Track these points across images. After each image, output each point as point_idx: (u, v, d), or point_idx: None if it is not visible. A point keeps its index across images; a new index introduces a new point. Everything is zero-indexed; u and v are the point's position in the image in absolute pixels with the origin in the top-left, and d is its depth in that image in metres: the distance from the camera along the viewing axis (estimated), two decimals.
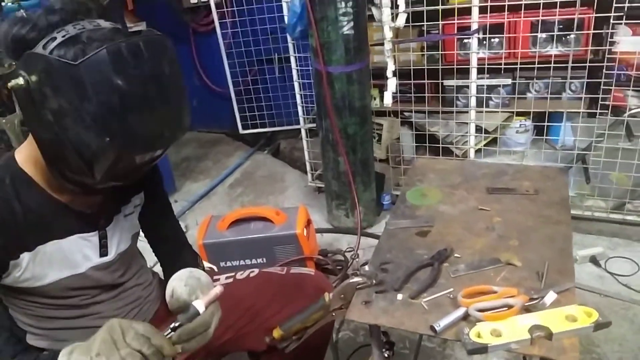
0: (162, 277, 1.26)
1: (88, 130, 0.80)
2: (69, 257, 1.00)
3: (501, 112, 2.64)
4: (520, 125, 2.78)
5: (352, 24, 2.11)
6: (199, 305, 0.91)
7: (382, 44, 2.28)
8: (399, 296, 1.04)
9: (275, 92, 3.17)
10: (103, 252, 1.06)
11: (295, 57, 2.67)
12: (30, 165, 0.94)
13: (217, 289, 0.94)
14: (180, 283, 1.04)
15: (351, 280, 1.08)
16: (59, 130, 0.81)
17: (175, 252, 1.24)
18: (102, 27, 0.84)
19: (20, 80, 0.80)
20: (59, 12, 0.84)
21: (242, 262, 2.09)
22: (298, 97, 2.77)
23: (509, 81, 2.64)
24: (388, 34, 2.20)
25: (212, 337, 0.98)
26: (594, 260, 2.14)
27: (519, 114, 2.60)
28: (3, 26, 0.85)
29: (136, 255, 1.21)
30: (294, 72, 2.70)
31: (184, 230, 2.72)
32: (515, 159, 2.70)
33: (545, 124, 2.39)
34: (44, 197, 0.95)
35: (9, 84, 0.81)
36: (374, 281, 1.07)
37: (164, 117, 0.86)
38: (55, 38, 0.80)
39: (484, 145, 2.77)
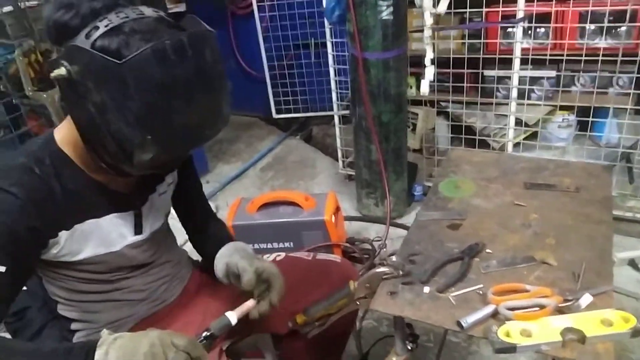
0: (191, 255, 1.28)
1: (129, 126, 0.81)
2: (105, 235, 1.01)
3: (543, 105, 2.54)
4: (563, 119, 2.68)
5: (391, 9, 2.06)
6: (232, 316, 0.93)
7: (422, 31, 2.21)
8: (426, 289, 1.01)
9: (310, 77, 3.15)
10: (137, 230, 1.07)
11: (332, 42, 2.64)
12: (69, 146, 0.95)
13: (250, 303, 0.98)
14: (233, 258, 1.08)
15: (377, 270, 1.06)
16: (100, 121, 0.82)
17: (209, 226, 1.26)
18: (145, 15, 0.83)
19: (63, 71, 0.80)
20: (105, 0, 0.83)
21: (269, 246, 2.09)
22: (333, 82, 2.74)
23: (554, 73, 2.53)
24: (428, 20, 2.13)
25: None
26: (632, 263, 2.05)
27: (562, 107, 2.50)
28: (47, 9, 0.85)
29: (167, 233, 1.22)
30: (330, 57, 2.67)
31: (215, 210, 2.76)
32: (555, 154, 2.60)
33: (590, 119, 2.29)
34: (82, 177, 0.96)
35: (52, 75, 0.81)
36: (401, 272, 1.05)
37: (207, 114, 0.86)
38: (98, 27, 0.80)
39: (523, 139, 2.68)
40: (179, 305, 1.21)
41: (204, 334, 0.89)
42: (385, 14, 2.07)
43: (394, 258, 1.08)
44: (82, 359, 0.77)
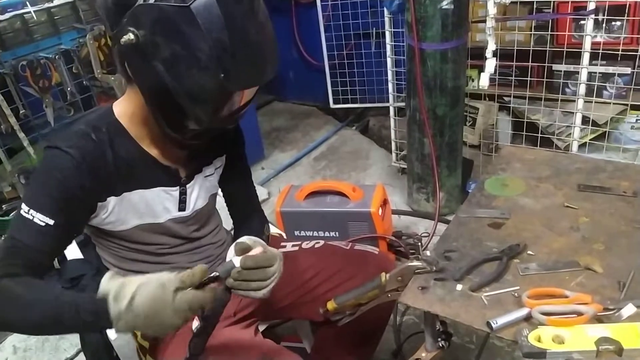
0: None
1: (203, 70, 0.85)
2: (150, 206, 1.06)
3: (614, 103, 2.37)
4: (637, 120, 2.49)
5: None
6: (236, 261, 0.92)
7: (485, 21, 2.13)
8: (459, 286, 0.99)
9: (369, 68, 3.12)
10: (181, 207, 1.12)
11: (391, 31, 2.60)
12: (126, 118, 1.01)
13: (258, 250, 0.96)
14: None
15: (410, 264, 1.05)
16: (170, 78, 0.86)
17: (245, 216, 1.28)
18: None
19: (130, 36, 0.85)
20: None
21: (315, 234, 2.11)
22: (390, 73, 2.70)
23: (628, 70, 2.35)
24: (491, 10, 2.04)
25: (272, 299, 1.00)
26: None
27: (635, 107, 2.32)
28: None
29: (213, 215, 1.26)
30: (388, 48, 2.63)
31: (267, 196, 2.82)
32: (626, 157, 2.43)
33: None
34: (135, 149, 1.02)
35: (122, 40, 0.85)
36: (434, 268, 1.03)
37: (266, 49, 0.90)
38: None
39: (591, 140, 2.52)
40: None
41: (211, 275, 0.89)
42: (446, 3, 2.01)
43: (428, 253, 1.06)
44: (88, 314, 0.83)
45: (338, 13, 3.03)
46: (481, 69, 2.16)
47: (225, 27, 0.82)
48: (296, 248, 1.35)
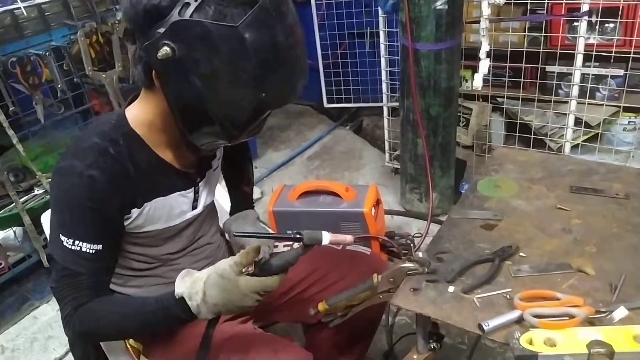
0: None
1: (244, 88, 0.85)
2: (168, 212, 1.06)
3: (607, 105, 2.38)
4: (629, 122, 2.50)
5: None
6: (326, 236, 0.94)
7: (479, 22, 2.13)
8: (451, 288, 0.98)
9: (363, 68, 3.11)
10: (194, 205, 1.11)
11: (385, 31, 2.59)
12: (142, 127, 0.99)
13: (349, 238, 0.98)
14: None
15: (402, 265, 1.04)
16: (207, 93, 0.85)
17: (235, 185, 1.37)
18: None
19: (167, 50, 0.82)
20: None
21: None
22: (384, 73, 2.70)
23: (621, 72, 2.36)
24: (485, 11, 2.04)
25: (264, 300, 0.99)
26: None
27: (628, 109, 2.33)
28: None
29: (214, 211, 1.26)
30: (382, 47, 2.62)
31: (259, 195, 2.81)
32: (618, 159, 2.44)
33: None
34: (152, 157, 1.00)
35: (159, 55, 0.82)
36: (426, 269, 1.03)
37: (303, 65, 0.91)
38: (188, 3, 0.81)
39: (584, 141, 2.53)
40: None
41: (292, 233, 0.93)
42: (440, 3, 2.00)
43: (420, 254, 1.06)
44: (180, 310, 0.91)
45: (332, 12, 3.02)
46: (475, 69, 2.16)
47: (271, 48, 0.83)
48: (288, 248, 1.34)
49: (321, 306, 1.09)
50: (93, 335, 1.02)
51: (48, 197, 2.05)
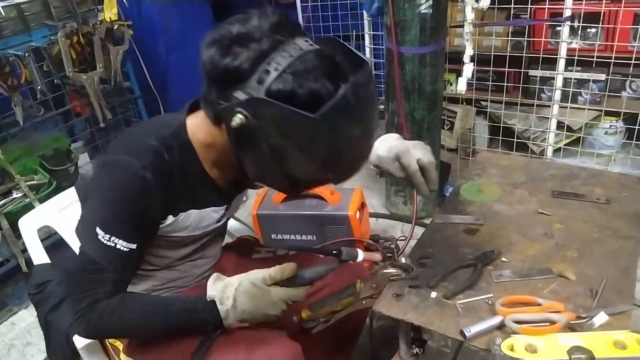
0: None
1: (312, 168, 0.86)
2: (198, 223, 1.06)
3: (589, 109, 2.41)
4: (610, 126, 2.54)
5: (430, 2, 1.99)
6: (360, 254, 1.00)
7: (463, 26, 2.14)
8: (433, 294, 0.98)
9: None
10: (220, 219, 1.11)
11: (370, 34, 2.60)
12: (198, 142, 0.98)
13: (378, 256, 1.05)
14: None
15: (385, 271, 1.04)
16: (274, 161, 0.86)
17: None
18: (303, 49, 0.83)
19: (242, 119, 0.81)
20: (267, 37, 0.82)
21: (292, 237, 2.09)
22: None
23: (603, 76, 2.39)
24: (469, 15, 2.06)
25: None
26: None
27: (609, 113, 2.36)
28: (209, 52, 0.84)
29: (225, 230, 1.26)
30: (367, 50, 2.63)
31: (244, 199, 2.78)
32: (600, 162, 2.47)
33: (637, 127, 2.15)
34: (200, 172, 1.01)
35: (232, 123, 0.82)
36: (409, 275, 1.02)
37: (370, 149, 0.98)
38: (268, 71, 0.80)
39: (566, 145, 2.56)
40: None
41: (333, 249, 1.00)
42: (424, 7, 2.01)
43: (403, 259, 1.05)
44: (207, 313, 0.94)
45: (318, 14, 3.02)
46: (459, 73, 2.17)
47: (345, 141, 0.84)
48: (270, 255, 1.33)
49: (304, 313, 1.09)
50: (111, 331, 1.01)
51: (27, 200, 2.01)
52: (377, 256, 1.04)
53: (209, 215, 1.07)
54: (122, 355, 1.15)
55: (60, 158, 2.22)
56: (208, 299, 0.95)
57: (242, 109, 0.81)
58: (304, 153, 0.84)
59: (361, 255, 1.00)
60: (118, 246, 0.92)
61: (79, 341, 1.16)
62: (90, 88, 2.14)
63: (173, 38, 2.59)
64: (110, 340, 1.17)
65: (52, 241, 1.44)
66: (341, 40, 0.89)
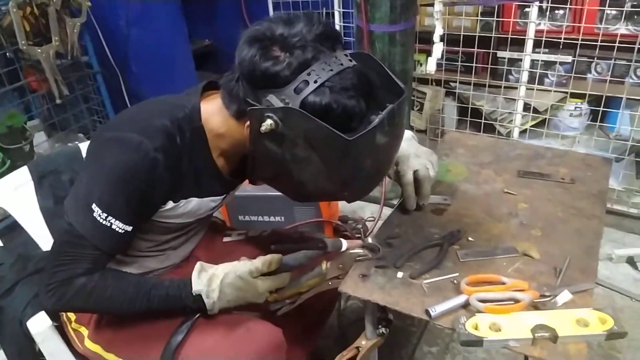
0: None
1: (332, 183, 0.87)
2: (194, 212, 1.04)
3: (555, 91, 2.44)
4: (575, 108, 2.58)
5: None
6: (344, 243, 1.06)
7: (433, 5, 2.12)
8: (399, 274, 0.97)
9: None
10: (213, 208, 1.10)
11: (340, 12, 2.55)
12: (211, 131, 0.96)
13: (358, 242, 1.05)
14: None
15: (351, 251, 1.02)
16: (293, 169, 0.86)
17: None
18: (343, 64, 0.82)
19: (271, 124, 0.80)
20: (311, 47, 0.81)
21: (261, 219, 2.06)
22: None
23: (569, 58, 2.42)
24: None
25: None
26: (631, 261, 1.99)
27: (574, 95, 2.39)
28: (251, 51, 0.83)
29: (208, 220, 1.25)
30: (337, 28, 2.58)
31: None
32: (564, 144, 2.51)
33: (601, 109, 2.19)
34: (208, 160, 0.99)
35: (262, 128, 0.81)
36: (376, 255, 1.01)
37: (389, 168, 1.00)
38: (307, 82, 0.80)
39: (532, 126, 2.59)
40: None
41: (318, 243, 1.06)
42: None
43: (370, 240, 1.04)
44: (191, 302, 0.96)
45: None
46: (429, 53, 2.16)
47: (371, 163, 0.87)
48: (242, 237, 1.30)
49: (270, 295, 1.06)
50: (87, 308, 0.99)
51: None
52: (356, 242, 1.05)
53: (206, 204, 1.05)
54: (86, 341, 1.11)
55: (14, 136, 2.11)
56: (194, 294, 0.95)
57: (274, 114, 0.80)
58: (328, 170, 0.84)
59: (345, 244, 1.04)
60: (113, 227, 0.89)
61: (34, 327, 1.11)
62: (45, 62, 2.03)
63: (134, 10, 2.47)
64: (73, 325, 1.13)
65: (7, 224, 1.37)
66: (376, 58, 0.90)
